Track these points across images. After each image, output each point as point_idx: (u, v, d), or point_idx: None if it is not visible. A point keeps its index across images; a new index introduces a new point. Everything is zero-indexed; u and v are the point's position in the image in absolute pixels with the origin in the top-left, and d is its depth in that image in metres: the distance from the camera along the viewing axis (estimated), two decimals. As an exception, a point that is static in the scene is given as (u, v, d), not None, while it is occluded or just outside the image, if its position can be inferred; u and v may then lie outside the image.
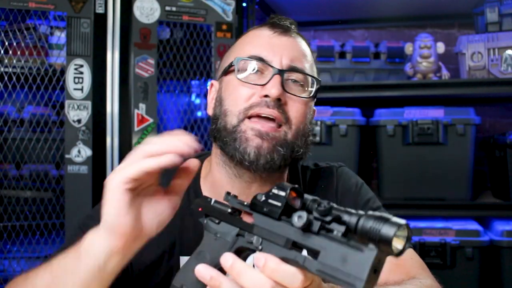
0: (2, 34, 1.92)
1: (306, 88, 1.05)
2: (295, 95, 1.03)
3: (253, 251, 0.72)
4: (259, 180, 1.03)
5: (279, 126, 1.01)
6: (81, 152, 1.92)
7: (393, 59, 2.50)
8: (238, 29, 2.16)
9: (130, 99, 1.99)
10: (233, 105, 1.03)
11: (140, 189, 0.77)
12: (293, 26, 1.11)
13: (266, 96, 1.00)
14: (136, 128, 1.99)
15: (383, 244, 0.60)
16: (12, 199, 1.93)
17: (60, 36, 1.98)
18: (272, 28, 1.09)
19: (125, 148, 1.98)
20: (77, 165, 1.92)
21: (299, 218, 0.65)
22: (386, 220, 0.60)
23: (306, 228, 0.65)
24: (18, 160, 1.95)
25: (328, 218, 0.65)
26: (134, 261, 1.04)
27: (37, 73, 1.93)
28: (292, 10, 2.77)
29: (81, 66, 1.93)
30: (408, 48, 2.39)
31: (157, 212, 0.79)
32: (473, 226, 2.24)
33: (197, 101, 2.27)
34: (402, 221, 0.60)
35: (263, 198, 0.71)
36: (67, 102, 1.92)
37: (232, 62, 1.06)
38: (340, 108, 2.34)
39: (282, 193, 0.70)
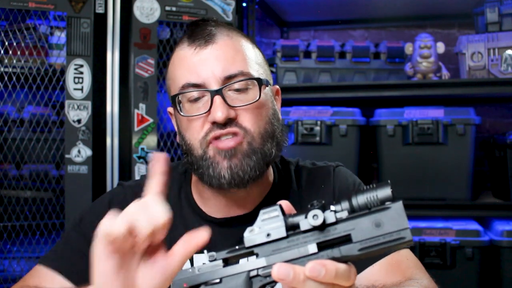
0: (2, 34, 1.92)
1: (252, 88, 1.02)
2: (243, 106, 1.00)
3: (276, 283, 0.64)
4: (243, 189, 1.02)
5: (242, 138, 0.99)
6: (81, 152, 1.92)
7: (393, 59, 2.50)
8: (238, 29, 2.15)
9: (130, 99, 1.99)
10: (192, 138, 1.02)
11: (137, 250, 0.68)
12: (212, 29, 1.03)
13: (214, 122, 0.98)
14: (136, 128, 1.99)
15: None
16: (12, 199, 1.93)
17: (60, 36, 1.98)
18: (192, 44, 1.03)
19: (125, 148, 1.98)
20: (77, 165, 1.92)
21: (314, 217, 0.61)
22: (374, 188, 0.63)
23: (322, 224, 0.61)
24: (18, 160, 1.95)
25: (333, 208, 0.63)
26: None
27: (37, 73, 1.93)
28: (292, 10, 2.77)
29: (81, 66, 1.93)
30: (408, 48, 2.39)
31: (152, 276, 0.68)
32: (473, 226, 2.24)
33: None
34: (386, 183, 0.64)
35: (255, 229, 0.64)
36: (67, 102, 1.92)
37: (173, 99, 1.05)
38: (340, 108, 2.34)
39: (276, 213, 0.64)
